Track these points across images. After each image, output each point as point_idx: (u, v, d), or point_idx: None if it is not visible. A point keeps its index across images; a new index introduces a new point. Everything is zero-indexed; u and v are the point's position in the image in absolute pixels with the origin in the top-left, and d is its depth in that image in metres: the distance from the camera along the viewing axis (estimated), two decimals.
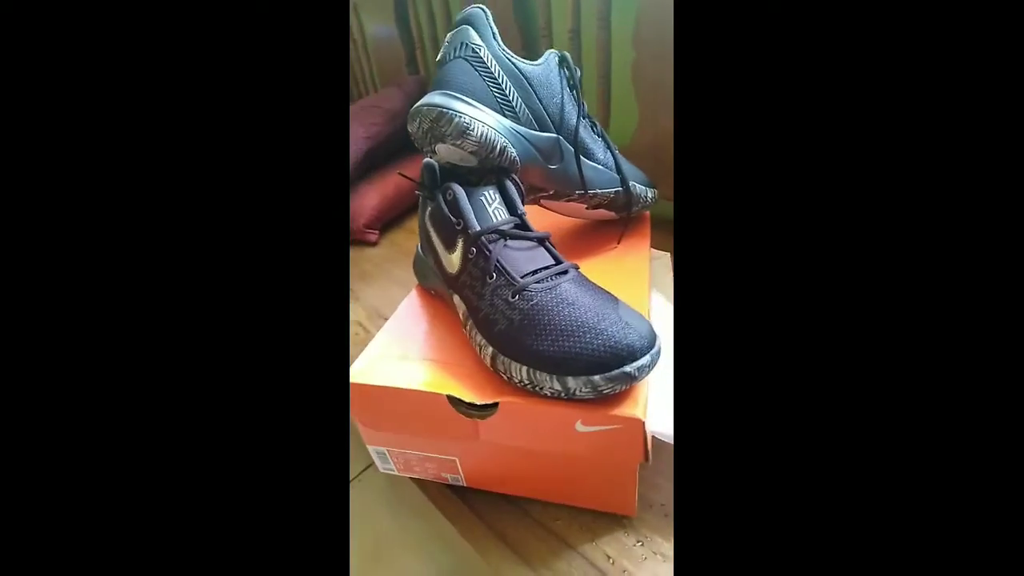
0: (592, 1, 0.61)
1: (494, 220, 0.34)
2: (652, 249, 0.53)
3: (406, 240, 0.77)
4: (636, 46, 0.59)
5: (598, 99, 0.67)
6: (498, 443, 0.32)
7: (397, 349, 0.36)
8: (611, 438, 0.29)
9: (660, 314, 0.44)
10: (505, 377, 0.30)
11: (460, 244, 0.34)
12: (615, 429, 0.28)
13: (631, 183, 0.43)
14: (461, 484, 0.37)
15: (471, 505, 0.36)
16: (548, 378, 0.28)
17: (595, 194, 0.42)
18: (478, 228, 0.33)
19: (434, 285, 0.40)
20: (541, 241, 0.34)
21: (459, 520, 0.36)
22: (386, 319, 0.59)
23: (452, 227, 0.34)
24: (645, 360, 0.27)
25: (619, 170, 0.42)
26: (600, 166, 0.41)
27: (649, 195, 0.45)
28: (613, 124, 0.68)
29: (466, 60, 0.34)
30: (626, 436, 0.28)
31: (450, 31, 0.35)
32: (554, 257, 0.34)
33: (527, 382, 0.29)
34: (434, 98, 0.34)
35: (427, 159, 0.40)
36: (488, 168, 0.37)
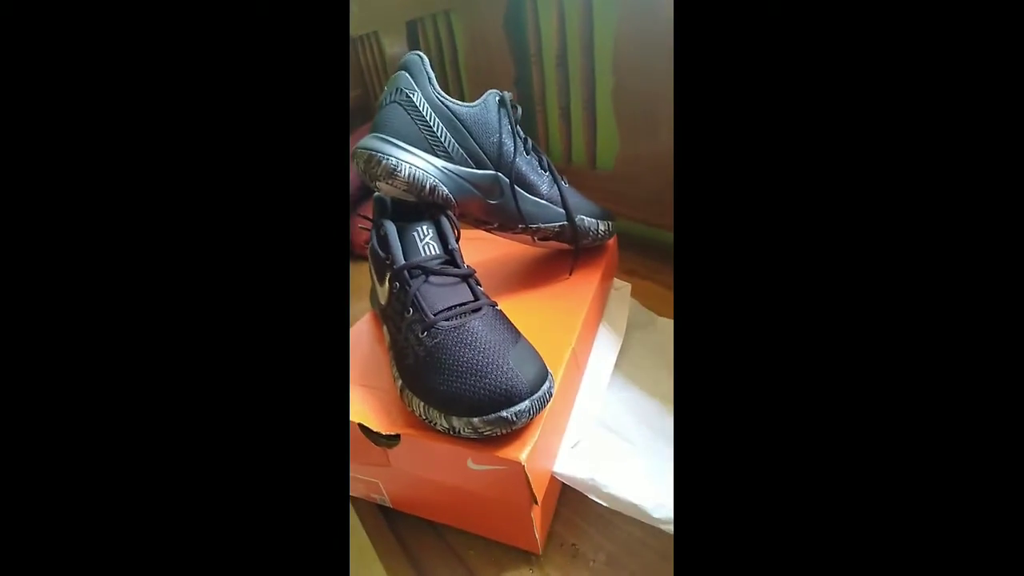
0: (576, 27, 0.62)
1: (423, 255, 0.36)
2: (615, 279, 0.53)
3: None
4: (615, 72, 0.59)
5: (584, 126, 0.67)
6: (404, 470, 0.33)
7: None
8: (498, 477, 0.29)
9: (603, 348, 0.44)
10: (410, 409, 0.32)
11: (388, 278, 0.36)
12: (500, 469, 0.29)
13: (579, 217, 0.43)
14: (388, 505, 0.39)
15: (394, 526, 0.38)
16: (438, 415, 0.29)
17: (538, 228, 0.42)
18: (401, 263, 0.35)
19: (376, 312, 0.42)
20: (465, 278, 0.35)
21: (379, 540, 0.37)
22: None
23: (382, 261, 0.36)
24: (523, 406, 0.28)
25: (564, 204, 0.43)
26: (544, 200, 0.42)
27: (600, 227, 0.45)
28: (599, 150, 0.68)
29: (400, 104, 0.36)
30: (511, 477, 0.29)
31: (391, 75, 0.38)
32: (474, 294, 0.35)
33: (424, 417, 0.30)
34: (367, 141, 0.36)
35: (376, 194, 0.42)
36: (428, 203, 0.38)
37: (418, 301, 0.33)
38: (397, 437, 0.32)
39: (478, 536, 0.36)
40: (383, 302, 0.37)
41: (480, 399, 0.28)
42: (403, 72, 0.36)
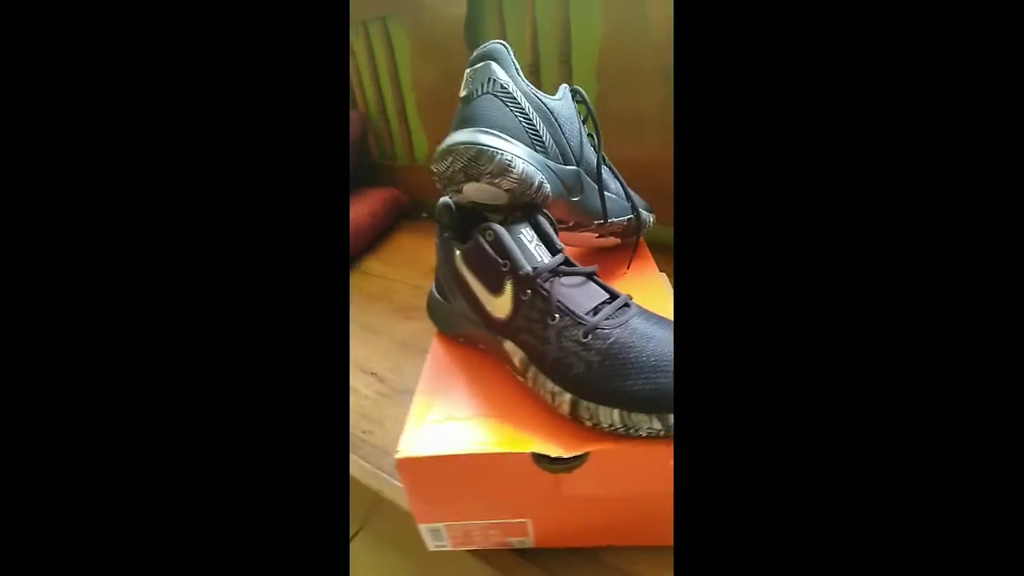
0: (551, 37, 0.63)
1: (538, 258, 0.33)
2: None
3: (363, 282, 0.72)
4: (600, 78, 0.62)
5: None
6: (581, 495, 0.30)
7: (440, 411, 0.32)
8: None
9: None
10: (590, 424, 0.28)
11: (509, 287, 0.32)
12: None
13: (640, 209, 0.44)
14: (528, 546, 0.34)
15: (540, 564, 0.33)
16: (646, 418, 0.27)
17: (611, 223, 0.42)
18: (529, 269, 0.31)
19: (466, 331, 0.37)
20: (590, 276, 0.33)
21: None
22: (366, 372, 0.54)
23: (497, 269, 0.32)
24: None
25: (628, 197, 0.43)
26: (614, 195, 0.42)
27: (651, 220, 0.47)
28: None
29: (495, 96, 0.33)
30: None
31: (469, 67, 0.34)
32: (606, 290, 0.33)
33: (619, 426, 0.27)
34: (469, 135, 0.32)
35: (444, 199, 0.37)
36: (511, 205, 0.35)
37: (564, 305, 0.31)
38: (582, 456, 0.28)
39: (634, 548, 0.33)
40: (502, 315, 0.33)
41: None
42: (491, 62, 0.33)
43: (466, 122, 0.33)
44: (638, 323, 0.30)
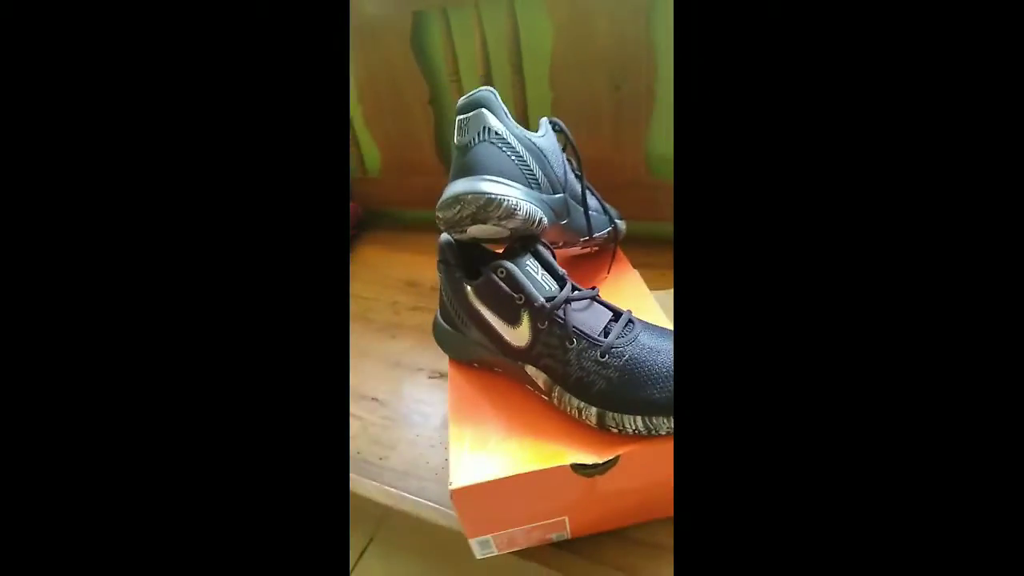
0: (503, 48, 0.65)
1: (546, 287, 0.36)
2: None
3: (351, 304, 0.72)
4: (553, 86, 0.65)
5: None
6: (612, 490, 0.35)
7: (476, 438, 0.36)
8: None
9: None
10: (616, 430, 0.33)
11: (526, 318, 0.35)
12: None
13: (615, 220, 0.49)
14: (564, 539, 0.39)
15: (574, 551, 0.38)
16: (666, 421, 0.32)
17: (595, 237, 0.46)
18: (543, 301, 0.35)
19: (480, 357, 0.40)
20: (593, 298, 0.37)
21: (571, 569, 0.38)
22: (367, 398, 0.56)
23: (512, 303, 0.35)
24: None
25: (606, 211, 0.47)
26: (594, 212, 0.46)
27: (623, 227, 0.52)
28: None
29: (492, 143, 0.35)
30: None
31: (461, 114, 0.36)
32: (609, 308, 0.37)
33: (643, 430, 0.32)
34: (474, 184, 0.34)
35: (445, 237, 0.39)
36: (511, 238, 0.38)
37: (579, 330, 0.34)
38: (614, 460, 0.33)
39: (652, 522, 0.39)
40: (522, 343, 0.36)
41: None
42: (483, 110, 0.35)
43: (468, 171, 0.35)
44: (646, 339, 0.34)
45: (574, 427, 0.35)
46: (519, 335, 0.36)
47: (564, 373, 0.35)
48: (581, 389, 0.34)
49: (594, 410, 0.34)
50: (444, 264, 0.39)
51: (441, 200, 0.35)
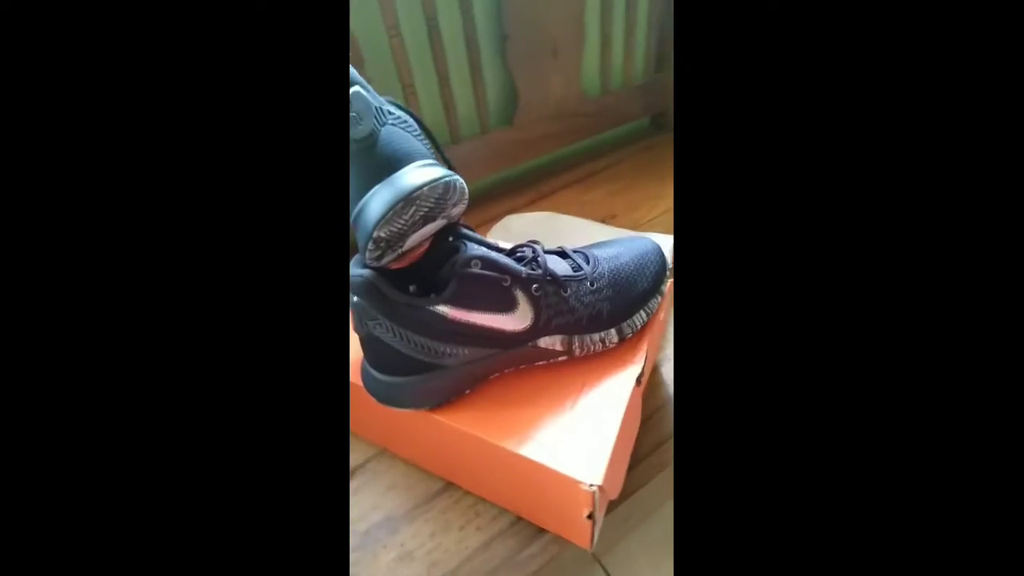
0: None
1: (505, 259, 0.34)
2: None
3: None
4: (509, 27, 0.61)
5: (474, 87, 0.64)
6: None
7: (544, 451, 0.32)
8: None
9: None
10: (630, 332, 0.37)
11: (520, 293, 0.33)
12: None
13: None
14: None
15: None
16: (656, 297, 0.38)
17: None
18: (527, 270, 0.33)
19: (472, 373, 0.34)
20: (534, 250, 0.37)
21: None
22: None
23: (500, 287, 0.32)
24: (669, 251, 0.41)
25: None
26: None
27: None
28: (492, 109, 0.68)
29: (393, 125, 0.28)
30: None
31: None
32: (551, 251, 0.38)
33: (647, 318, 0.37)
34: (425, 172, 0.27)
35: (363, 281, 0.30)
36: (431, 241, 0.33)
37: (564, 276, 0.35)
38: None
39: None
40: (527, 323, 0.34)
41: (659, 266, 0.39)
42: (359, 91, 0.27)
43: (393, 163, 0.27)
44: (599, 252, 0.38)
45: (591, 373, 0.36)
46: (520, 317, 0.33)
47: (575, 320, 0.35)
48: (594, 322, 0.35)
49: (612, 331, 0.36)
50: (380, 304, 0.30)
51: (377, 215, 0.26)
